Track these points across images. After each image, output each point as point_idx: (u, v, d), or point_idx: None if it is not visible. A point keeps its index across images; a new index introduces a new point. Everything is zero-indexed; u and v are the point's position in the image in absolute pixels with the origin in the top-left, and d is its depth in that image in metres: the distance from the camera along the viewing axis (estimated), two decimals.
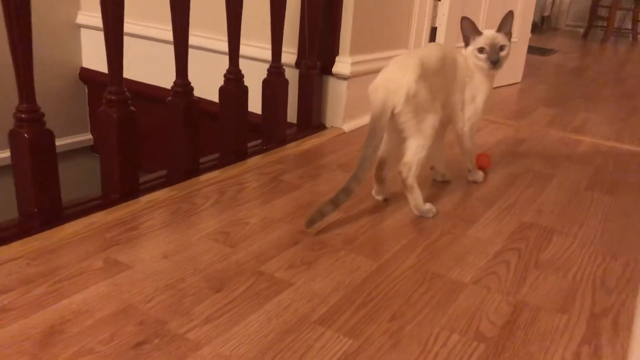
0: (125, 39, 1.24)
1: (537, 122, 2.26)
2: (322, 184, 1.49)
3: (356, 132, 1.95)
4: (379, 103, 1.22)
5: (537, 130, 2.15)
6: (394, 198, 1.42)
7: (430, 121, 1.26)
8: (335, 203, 1.21)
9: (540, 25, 6.09)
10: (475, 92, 1.42)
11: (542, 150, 1.91)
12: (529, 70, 3.34)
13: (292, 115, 1.84)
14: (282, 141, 1.74)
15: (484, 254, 1.18)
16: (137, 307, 0.92)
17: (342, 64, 1.87)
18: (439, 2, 2.29)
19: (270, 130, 1.72)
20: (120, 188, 1.27)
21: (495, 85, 2.77)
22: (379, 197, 1.40)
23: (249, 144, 1.66)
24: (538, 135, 2.08)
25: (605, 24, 5.64)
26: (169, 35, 1.37)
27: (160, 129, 1.52)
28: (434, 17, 2.30)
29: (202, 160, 1.52)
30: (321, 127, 1.92)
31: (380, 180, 1.37)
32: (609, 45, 5.27)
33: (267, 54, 1.71)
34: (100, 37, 1.22)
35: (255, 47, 1.91)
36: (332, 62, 1.87)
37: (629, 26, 5.75)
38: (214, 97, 1.57)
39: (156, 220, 1.22)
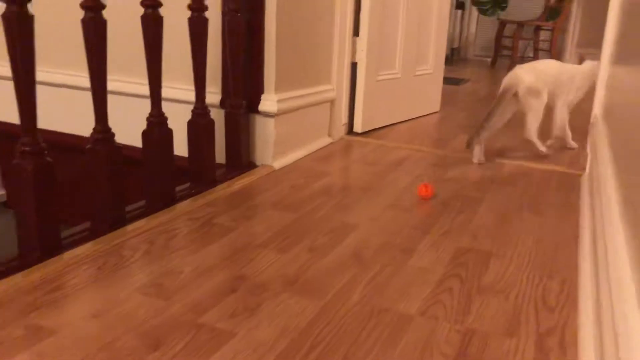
0: (39, 87, 1.16)
1: (459, 148, 2.32)
2: (257, 225, 1.45)
3: (287, 168, 1.92)
4: (505, 86, 1.99)
5: (459, 156, 2.21)
6: (331, 233, 1.40)
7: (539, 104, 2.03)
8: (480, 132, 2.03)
9: (451, 57, 6.38)
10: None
11: (468, 175, 1.96)
12: (446, 99, 3.46)
13: (220, 155, 1.80)
14: (212, 183, 1.69)
15: (427, 283, 1.17)
16: None
17: (268, 102, 1.85)
18: (357, 38, 2.34)
19: (198, 173, 1.66)
20: (40, 245, 1.18)
21: (416, 115, 2.85)
22: (477, 160, 2.06)
23: (177, 188, 1.60)
24: (461, 161, 2.13)
25: (510, 53, 5.99)
26: (86, 82, 1.30)
27: (81, 179, 1.43)
28: (353, 52, 2.34)
29: (128, 209, 1.44)
30: (251, 165, 1.88)
31: (479, 142, 2.06)
32: None
33: (191, 95, 1.66)
34: (10, 86, 1.14)
35: (178, 89, 1.86)
36: (258, 101, 1.85)
37: (532, 54, 6.13)
38: (138, 143, 1.50)
39: (82, 278, 1.13)
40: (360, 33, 2.32)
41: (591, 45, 6.29)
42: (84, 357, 0.88)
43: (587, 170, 1.99)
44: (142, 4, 1.40)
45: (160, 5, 1.41)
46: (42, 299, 1.04)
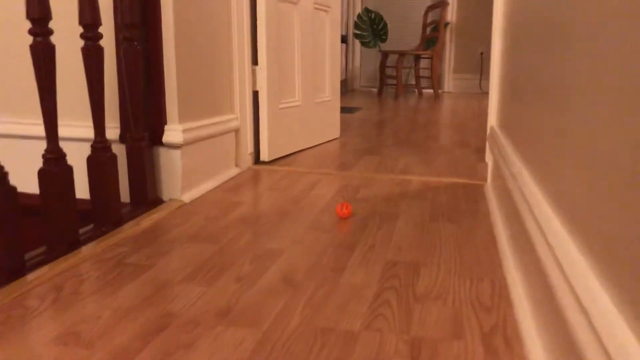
0: None
1: (366, 169, 2.35)
2: (175, 260, 1.35)
3: (198, 201, 1.84)
4: None
5: (368, 176, 2.23)
6: (257, 261, 1.34)
7: None
8: None
9: (340, 89, 6.56)
10: None
11: (379, 193, 1.98)
12: (343, 126, 3.53)
13: (124, 193, 1.68)
14: (118, 222, 1.56)
15: (364, 298, 1.15)
16: None
17: (173, 132, 1.76)
18: (257, 67, 2.32)
19: (102, 212, 1.54)
20: None
21: (319, 142, 2.86)
22: None
23: (81, 231, 1.46)
24: (370, 181, 2.16)
25: (394, 81, 6.27)
26: None
27: None
28: (254, 81, 2.32)
29: (26, 256, 1.29)
30: (158, 201, 1.78)
31: None
32: (401, 100, 5.85)
33: (88, 132, 1.54)
34: None
35: (76, 126, 1.73)
36: (161, 132, 1.76)
37: (414, 82, 6.46)
38: (35, 189, 1.36)
39: None
40: (259, 61, 2.30)
41: (466, 71, 6.75)
42: None
43: (489, 179, 2.09)
44: (30, 32, 1.29)
45: (51, 33, 1.30)
46: None
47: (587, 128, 0.72)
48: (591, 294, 0.59)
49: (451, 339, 0.98)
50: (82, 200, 1.55)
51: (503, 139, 1.73)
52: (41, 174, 1.34)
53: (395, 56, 6.31)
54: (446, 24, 6.51)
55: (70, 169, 1.38)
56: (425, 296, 1.16)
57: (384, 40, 6.51)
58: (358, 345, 0.97)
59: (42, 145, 1.36)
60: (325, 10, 2.84)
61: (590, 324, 0.56)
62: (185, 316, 1.07)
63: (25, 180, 1.39)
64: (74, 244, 1.40)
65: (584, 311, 0.58)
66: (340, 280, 1.24)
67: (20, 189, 1.25)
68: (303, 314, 1.08)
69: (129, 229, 1.55)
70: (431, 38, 6.14)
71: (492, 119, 2.17)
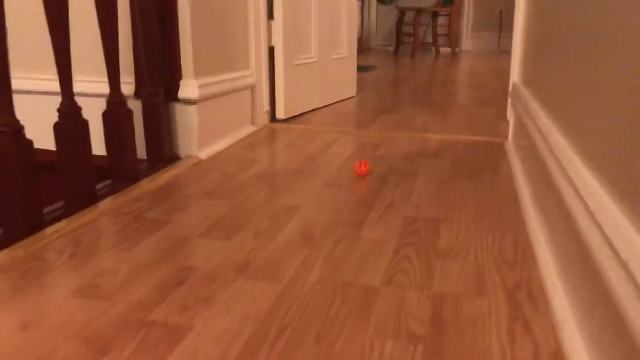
0: None
1: (384, 127, 2.31)
2: (193, 215, 1.34)
3: (214, 158, 1.82)
4: None
5: (386, 135, 2.19)
6: (274, 217, 1.33)
7: None
8: None
9: None
10: None
11: (397, 151, 1.95)
12: (359, 85, 3.47)
13: (140, 150, 1.66)
14: (135, 178, 1.55)
15: (384, 254, 1.13)
16: None
17: (189, 88, 1.73)
18: (272, 21, 2.26)
19: (119, 168, 1.52)
20: None
21: (335, 100, 2.81)
22: None
23: (98, 186, 1.45)
24: (388, 139, 2.12)
25: (411, 39, 6.14)
26: None
27: None
28: (269, 36, 2.26)
29: (45, 210, 1.28)
30: (175, 158, 1.76)
31: None
32: (418, 58, 5.74)
33: (102, 87, 1.52)
34: None
35: (88, 81, 1.70)
36: (177, 87, 1.73)
37: (431, 39, 6.32)
38: (52, 146, 1.34)
39: (3, 288, 0.98)
40: (275, 15, 2.25)
41: (484, 29, 6.59)
42: None
43: (510, 136, 2.04)
44: None
45: None
46: None
47: (620, 83, 0.68)
48: (630, 244, 0.56)
49: (474, 295, 0.97)
50: (99, 157, 1.54)
51: (527, 95, 1.67)
52: (57, 127, 1.33)
53: (412, 13, 6.16)
54: None
55: (85, 123, 1.36)
56: (447, 252, 1.14)
57: None
58: (379, 300, 0.95)
59: (58, 101, 1.34)
60: None
61: (630, 275, 0.53)
62: (204, 270, 1.06)
63: (42, 136, 1.37)
64: (92, 199, 1.39)
65: (623, 264, 0.56)
66: (359, 236, 1.22)
67: (37, 146, 1.23)
68: (322, 269, 1.06)
69: (146, 185, 1.54)
70: None
71: (515, 76, 2.11)
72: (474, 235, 1.22)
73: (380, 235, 1.22)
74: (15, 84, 1.18)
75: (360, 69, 4.45)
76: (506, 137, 2.13)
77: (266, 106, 2.27)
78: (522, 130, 1.67)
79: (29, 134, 1.20)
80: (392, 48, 6.46)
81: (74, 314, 0.90)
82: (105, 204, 1.40)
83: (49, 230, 1.23)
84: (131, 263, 1.09)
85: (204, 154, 1.80)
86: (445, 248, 1.16)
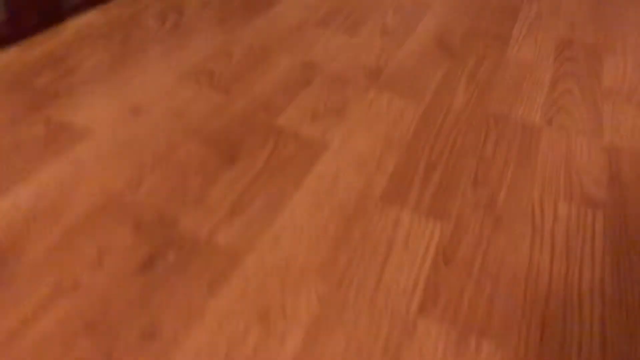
0: None
1: None
2: None
3: None
4: None
5: None
6: (401, 11, 1.11)
7: None
8: None
9: None
10: None
11: None
12: None
13: None
14: None
15: (539, 83, 0.94)
16: (122, 198, 0.61)
17: None
18: None
19: None
20: (37, 8, 0.86)
21: None
22: None
23: None
24: None
25: None
26: None
27: None
28: None
29: None
30: None
31: None
32: None
33: None
34: None
35: None
36: None
37: None
38: None
39: (100, 57, 0.84)
40: None
41: None
42: (138, 170, 0.65)
43: None
44: None
45: None
46: (55, 86, 0.77)
47: None
48: None
49: None
50: None
51: None
52: None
53: None
54: None
55: None
56: (615, 94, 0.94)
57: None
58: (541, 144, 0.80)
59: None
60: None
61: None
62: (330, 70, 0.90)
63: None
64: None
65: None
66: (505, 54, 1.02)
67: None
68: (468, 92, 0.89)
69: None
70: None
71: None
72: None
73: (530, 57, 1.02)
74: None
75: None
76: None
77: None
78: None
79: None
80: None
81: (190, 104, 0.77)
82: None
83: None
84: (244, 46, 0.93)
85: None
86: (612, 87, 0.96)
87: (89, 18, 0.92)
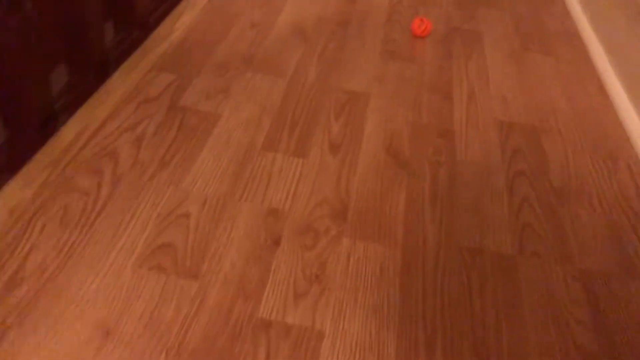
0: None
1: None
2: None
3: None
4: None
5: None
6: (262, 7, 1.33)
7: None
8: None
9: None
10: None
11: None
12: None
13: None
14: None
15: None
16: None
17: None
18: None
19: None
20: None
21: None
22: None
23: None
24: None
25: None
26: None
27: None
28: None
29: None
30: None
31: None
32: None
33: None
34: None
35: None
36: None
37: None
38: None
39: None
40: None
41: None
42: None
43: None
44: None
45: None
46: None
47: None
48: None
49: None
50: None
51: None
52: None
53: None
54: None
55: None
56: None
57: None
58: (370, 106, 1.03)
59: None
60: None
61: None
62: (215, 64, 1.12)
63: None
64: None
65: None
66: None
67: None
68: (318, 68, 1.13)
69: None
70: None
71: None
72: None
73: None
74: None
75: None
76: None
77: None
78: None
79: None
80: None
81: None
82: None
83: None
84: None
85: None
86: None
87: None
